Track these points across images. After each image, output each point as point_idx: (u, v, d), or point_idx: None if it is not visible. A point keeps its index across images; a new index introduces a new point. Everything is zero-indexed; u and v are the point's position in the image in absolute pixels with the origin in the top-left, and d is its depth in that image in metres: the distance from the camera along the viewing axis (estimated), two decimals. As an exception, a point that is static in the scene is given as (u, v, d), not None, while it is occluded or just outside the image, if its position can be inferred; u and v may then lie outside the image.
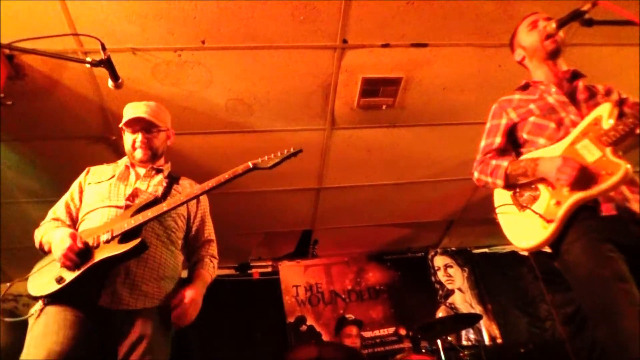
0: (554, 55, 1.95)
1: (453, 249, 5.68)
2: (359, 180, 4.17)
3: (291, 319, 5.00)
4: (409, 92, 3.19)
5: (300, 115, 3.31)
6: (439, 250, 5.66)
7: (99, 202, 1.86)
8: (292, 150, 1.84)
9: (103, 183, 1.93)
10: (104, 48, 1.72)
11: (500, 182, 1.84)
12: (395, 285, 5.35)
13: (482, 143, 1.98)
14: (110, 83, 1.83)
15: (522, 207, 1.78)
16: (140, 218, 1.74)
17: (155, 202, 1.83)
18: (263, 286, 5.21)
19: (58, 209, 1.95)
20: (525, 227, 1.75)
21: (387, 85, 3.11)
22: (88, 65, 1.78)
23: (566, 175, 1.65)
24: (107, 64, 1.75)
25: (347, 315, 4.40)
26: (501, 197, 1.88)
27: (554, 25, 1.84)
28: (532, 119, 1.88)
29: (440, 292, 5.36)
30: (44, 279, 1.74)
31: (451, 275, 5.47)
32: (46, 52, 1.89)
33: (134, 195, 1.88)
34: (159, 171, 2.04)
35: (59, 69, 2.69)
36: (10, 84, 2.62)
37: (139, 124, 1.96)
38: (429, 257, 5.63)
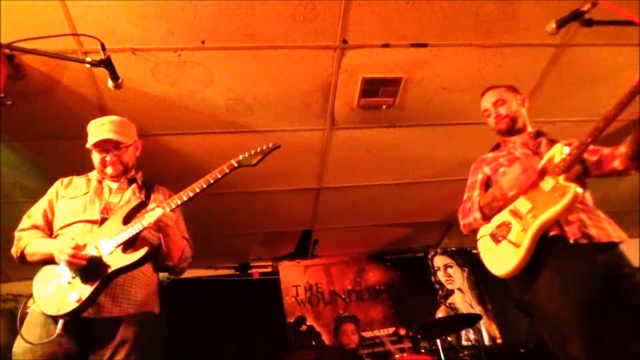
0: (508, 133, 2.28)
1: (453, 249, 5.68)
2: (359, 180, 4.17)
3: (291, 319, 5.00)
4: (409, 92, 3.19)
5: (300, 115, 3.31)
6: (439, 250, 5.67)
7: (72, 217, 1.90)
8: (270, 145, 1.94)
9: (78, 198, 1.97)
10: (103, 48, 1.72)
11: (477, 214, 2.12)
12: (395, 285, 5.35)
13: (465, 196, 2.29)
14: (110, 83, 1.83)
15: (497, 241, 2.02)
16: (140, 225, 1.79)
17: (142, 205, 1.91)
18: (263, 286, 5.22)
19: (35, 217, 1.94)
20: (501, 257, 2.00)
21: (387, 85, 3.11)
22: (88, 65, 1.78)
23: (530, 170, 1.96)
24: (107, 64, 1.75)
25: (343, 314, 4.42)
26: (483, 235, 2.12)
27: (553, 25, 1.84)
28: (501, 169, 2.17)
29: (440, 292, 5.36)
30: (56, 296, 1.72)
31: (451, 276, 5.48)
32: (46, 52, 1.89)
33: (107, 209, 1.93)
34: (132, 181, 2.09)
35: (59, 69, 2.69)
36: (10, 84, 2.61)
37: (107, 144, 2.00)
38: (429, 257, 5.64)
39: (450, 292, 5.33)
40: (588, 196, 2.11)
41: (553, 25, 1.85)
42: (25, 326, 1.74)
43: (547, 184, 1.95)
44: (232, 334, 4.80)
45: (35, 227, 1.92)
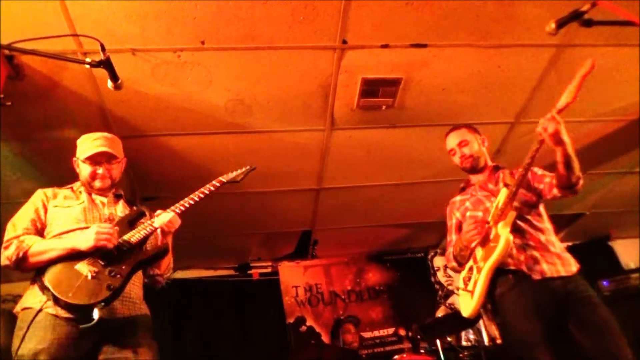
0: (472, 171, 2.49)
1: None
2: (359, 180, 4.17)
3: (291, 320, 5.00)
4: (409, 92, 3.19)
5: (300, 116, 3.30)
6: (438, 250, 5.66)
7: (73, 224, 1.93)
8: (249, 167, 2.25)
9: (74, 207, 2.01)
10: (103, 49, 1.72)
11: (454, 263, 2.48)
12: (395, 285, 5.35)
13: (447, 239, 2.58)
14: (109, 84, 1.83)
15: (465, 284, 2.35)
16: (151, 227, 1.93)
17: (142, 214, 2.04)
18: (263, 287, 5.22)
19: (22, 224, 1.92)
20: (464, 301, 2.35)
21: (387, 86, 3.10)
22: (88, 66, 1.78)
23: (469, 231, 2.26)
24: (107, 64, 1.74)
25: (341, 317, 4.42)
26: (458, 280, 2.46)
27: (553, 25, 1.84)
28: (468, 213, 2.43)
29: (440, 292, 5.36)
30: (85, 289, 1.74)
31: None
32: (46, 53, 1.89)
33: (110, 219, 2.02)
34: (118, 196, 2.17)
35: (58, 69, 2.69)
36: (10, 84, 2.61)
37: (101, 157, 2.07)
38: (429, 257, 5.64)
39: (450, 293, 5.33)
40: (547, 225, 2.34)
41: (553, 25, 1.84)
42: (34, 328, 1.72)
43: (492, 231, 2.23)
44: (232, 335, 4.80)
45: (27, 233, 1.90)
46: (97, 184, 2.07)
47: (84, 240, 1.78)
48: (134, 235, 1.90)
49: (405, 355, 3.74)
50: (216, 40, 2.65)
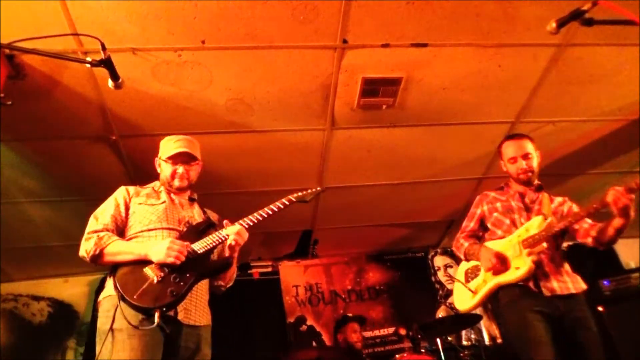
0: (526, 184, 2.52)
1: (453, 249, 5.67)
2: (359, 180, 4.17)
3: (291, 319, 5.00)
4: (409, 92, 3.19)
5: (300, 115, 3.31)
6: (439, 250, 5.66)
7: (156, 223, 2.03)
8: (319, 188, 2.29)
9: (157, 206, 2.10)
10: (104, 48, 1.72)
11: (462, 256, 2.62)
12: (395, 285, 5.34)
13: (463, 224, 2.68)
14: (110, 83, 1.83)
15: (467, 280, 2.56)
16: (220, 236, 2.00)
17: (212, 225, 2.14)
18: (263, 286, 5.21)
19: (104, 219, 2.02)
20: (462, 296, 2.54)
21: (387, 85, 3.10)
22: (88, 65, 1.78)
23: (487, 263, 2.36)
24: (107, 64, 1.75)
25: (348, 314, 4.41)
26: (460, 270, 2.68)
27: (554, 25, 1.84)
28: (495, 214, 2.53)
29: (441, 292, 5.36)
30: (151, 292, 1.81)
31: (451, 275, 5.47)
32: (46, 52, 1.89)
33: (188, 222, 2.11)
34: (192, 200, 2.27)
35: (59, 69, 2.69)
36: (10, 84, 2.61)
37: (181, 157, 2.18)
38: (429, 257, 5.63)
39: (450, 292, 5.32)
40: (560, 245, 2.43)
41: (553, 25, 1.84)
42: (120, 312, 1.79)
43: (515, 250, 2.33)
44: (233, 334, 4.79)
45: (107, 229, 1.99)
46: (177, 182, 2.16)
47: (156, 253, 1.85)
48: (201, 246, 1.96)
49: (405, 355, 3.73)
50: (217, 39, 2.65)
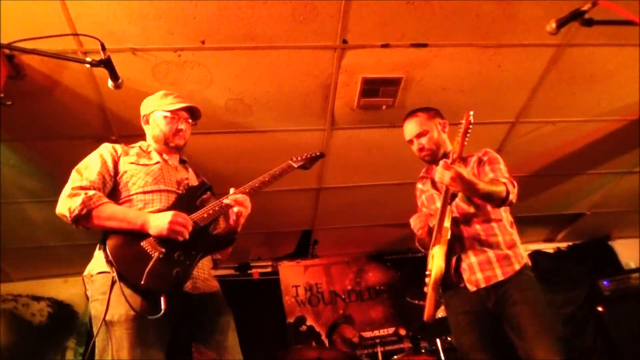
0: (432, 162, 2.35)
1: None
2: (359, 180, 4.17)
3: (291, 319, 4.99)
4: (409, 92, 3.19)
5: (300, 116, 3.31)
6: (439, 250, 5.65)
7: (153, 185, 1.81)
8: (317, 153, 2.20)
9: (152, 166, 1.88)
10: (103, 48, 1.72)
11: (419, 247, 2.42)
12: (395, 285, 5.34)
13: None
14: (110, 83, 1.82)
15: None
16: (223, 206, 1.80)
17: (208, 189, 1.95)
18: (263, 286, 5.21)
19: (89, 175, 1.75)
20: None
21: (387, 85, 3.10)
22: (88, 66, 1.78)
23: (418, 224, 2.25)
24: (107, 64, 1.74)
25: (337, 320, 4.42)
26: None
27: (553, 25, 1.84)
28: (424, 209, 2.39)
29: (441, 292, 5.35)
30: (155, 272, 1.59)
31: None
32: (46, 52, 1.89)
33: (185, 185, 1.91)
34: (183, 162, 2.10)
35: (58, 69, 2.69)
36: (10, 84, 2.61)
37: (185, 113, 1.99)
38: (429, 257, 5.63)
39: (450, 292, 5.32)
40: (505, 214, 2.21)
41: (553, 25, 1.84)
42: (115, 294, 1.57)
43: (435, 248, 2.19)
44: (232, 334, 4.79)
45: (94, 187, 1.72)
46: (177, 140, 1.97)
47: (156, 227, 1.61)
48: (203, 217, 1.74)
49: (405, 355, 3.73)
50: (216, 39, 2.65)
